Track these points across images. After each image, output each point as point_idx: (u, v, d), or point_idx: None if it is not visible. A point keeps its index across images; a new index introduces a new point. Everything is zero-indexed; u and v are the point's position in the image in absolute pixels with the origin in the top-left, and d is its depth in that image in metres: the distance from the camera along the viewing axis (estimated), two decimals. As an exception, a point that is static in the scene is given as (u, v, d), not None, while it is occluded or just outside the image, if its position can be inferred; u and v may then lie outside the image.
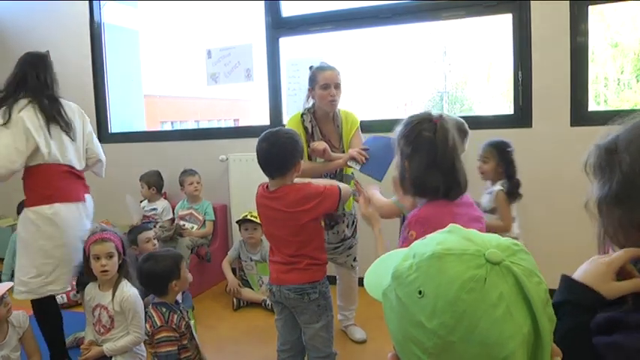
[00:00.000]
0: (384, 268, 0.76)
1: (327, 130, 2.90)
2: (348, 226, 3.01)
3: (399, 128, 1.73)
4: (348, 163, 2.70)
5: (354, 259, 3.10)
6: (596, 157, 1.01)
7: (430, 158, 1.62)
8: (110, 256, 2.44)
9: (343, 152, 2.87)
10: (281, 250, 2.22)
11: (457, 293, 0.59)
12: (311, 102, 2.91)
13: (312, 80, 2.84)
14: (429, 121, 1.66)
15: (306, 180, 2.24)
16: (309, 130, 2.86)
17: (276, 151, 2.11)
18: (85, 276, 2.63)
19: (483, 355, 0.58)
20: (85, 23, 4.84)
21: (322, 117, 2.89)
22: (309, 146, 2.77)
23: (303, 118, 2.89)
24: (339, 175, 2.90)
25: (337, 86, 2.80)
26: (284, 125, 3.05)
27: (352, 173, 2.90)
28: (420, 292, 0.61)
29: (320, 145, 2.71)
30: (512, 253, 0.62)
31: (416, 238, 1.57)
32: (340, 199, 2.18)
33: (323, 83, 2.78)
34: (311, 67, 2.91)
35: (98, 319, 2.46)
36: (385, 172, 2.65)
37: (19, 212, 4.42)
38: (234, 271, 4.17)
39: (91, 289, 2.53)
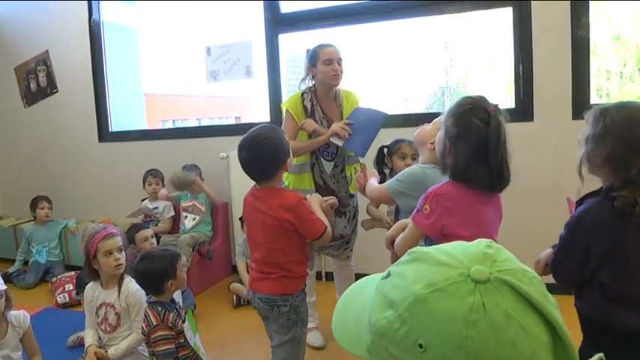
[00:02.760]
0: (351, 316, 0.69)
1: (329, 108, 2.90)
2: (349, 221, 2.98)
3: (450, 105, 1.67)
4: (331, 140, 2.68)
5: (350, 250, 3.10)
6: (593, 113, 1.53)
7: (480, 149, 1.57)
8: (120, 249, 2.46)
9: None
10: (254, 255, 2.15)
11: (461, 332, 0.53)
12: (310, 82, 2.91)
13: (313, 58, 2.83)
14: (484, 109, 1.60)
15: (308, 200, 2.17)
16: (309, 108, 2.86)
17: (256, 159, 2.03)
18: (83, 278, 2.63)
19: None
20: (84, 22, 4.83)
21: (323, 95, 2.88)
22: (315, 120, 2.82)
23: (303, 97, 2.88)
24: (339, 163, 2.89)
25: (340, 62, 2.81)
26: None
27: (352, 174, 2.89)
28: (420, 346, 0.55)
29: (309, 126, 2.74)
30: (493, 260, 0.57)
31: (430, 212, 1.58)
32: (321, 237, 2.05)
33: (326, 58, 2.77)
34: (308, 50, 2.91)
35: (104, 318, 2.46)
36: (368, 148, 2.65)
37: (31, 207, 4.50)
38: (234, 269, 4.17)
39: (92, 289, 2.51)
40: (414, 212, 1.65)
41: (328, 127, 2.83)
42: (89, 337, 2.51)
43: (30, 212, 4.69)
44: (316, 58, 2.81)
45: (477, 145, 1.57)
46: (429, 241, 1.63)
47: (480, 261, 0.57)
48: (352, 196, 2.99)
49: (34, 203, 4.64)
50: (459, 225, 1.57)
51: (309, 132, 2.75)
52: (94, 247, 2.41)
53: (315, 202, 2.20)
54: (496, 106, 1.62)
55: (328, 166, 2.89)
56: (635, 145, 1.43)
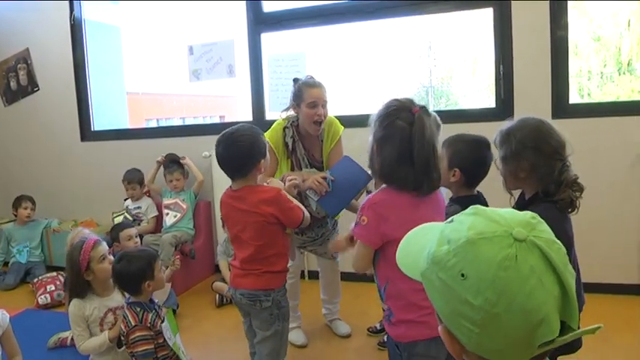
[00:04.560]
0: (414, 248, 0.86)
1: (311, 144, 2.85)
2: (329, 219, 2.96)
3: (378, 108, 1.69)
4: (307, 193, 2.60)
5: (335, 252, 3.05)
6: (500, 136, 1.73)
7: (403, 150, 1.58)
8: (108, 252, 2.43)
9: (322, 161, 2.85)
10: (239, 254, 2.17)
11: (495, 272, 0.67)
12: (293, 112, 2.82)
13: (298, 97, 2.73)
14: (409, 110, 1.61)
15: (279, 184, 2.22)
16: (290, 145, 2.80)
17: (232, 154, 2.06)
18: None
19: (523, 320, 0.67)
20: (66, 19, 4.79)
21: (306, 131, 2.80)
22: (291, 160, 2.80)
23: (285, 132, 2.81)
24: None
25: (324, 105, 2.72)
26: (267, 121, 2.98)
27: None
28: (462, 275, 0.70)
29: (291, 185, 2.48)
30: (533, 227, 0.71)
31: (368, 223, 1.61)
32: (302, 223, 2.13)
33: (310, 101, 2.68)
34: (295, 80, 2.81)
35: (114, 324, 2.43)
36: (341, 209, 2.58)
37: (13, 206, 4.41)
38: (217, 268, 4.16)
39: (84, 304, 2.40)
40: (354, 226, 1.67)
41: (310, 165, 2.80)
42: (99, 338, 2.42)
43: (11, 211, 4.63)
44: (301, 98, 2.72)
45: (401, 146, 1.59)
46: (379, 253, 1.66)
47: (523, 225, 0.71)
48: None
49: (17, 202, 4.58)
50: (396, 229, 1.51)
51: (292, 188, 2.52)
52: (87, 258, 2.35)
53: (277, 183, 2.27)
54: (423, 107, 1.64)
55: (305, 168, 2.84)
56: (550, 151, 1.65)
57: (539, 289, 0.68)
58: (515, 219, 0.73)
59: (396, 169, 1.61)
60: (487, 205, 1.85)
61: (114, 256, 2.35)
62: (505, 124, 1.76)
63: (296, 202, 2.17)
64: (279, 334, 2.16)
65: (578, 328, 0.71)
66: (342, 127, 2.90)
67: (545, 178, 1.66)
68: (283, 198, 2.09)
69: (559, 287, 0.69)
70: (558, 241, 0.73)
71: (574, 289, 0.71)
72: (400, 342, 1.68)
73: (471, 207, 0.79)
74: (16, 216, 4.62)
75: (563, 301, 0.70)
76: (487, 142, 1.94)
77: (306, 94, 2.70)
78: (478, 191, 2.01)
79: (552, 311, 0.69)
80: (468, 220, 0.75)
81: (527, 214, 0.75)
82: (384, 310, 1.75)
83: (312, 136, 2.83)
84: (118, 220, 4.22)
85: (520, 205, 1.77)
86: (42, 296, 3.87)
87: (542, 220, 0.75)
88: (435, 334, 1.60)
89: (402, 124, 1.59)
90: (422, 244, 0.84)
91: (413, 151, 1.58)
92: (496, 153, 1.81)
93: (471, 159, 1.92)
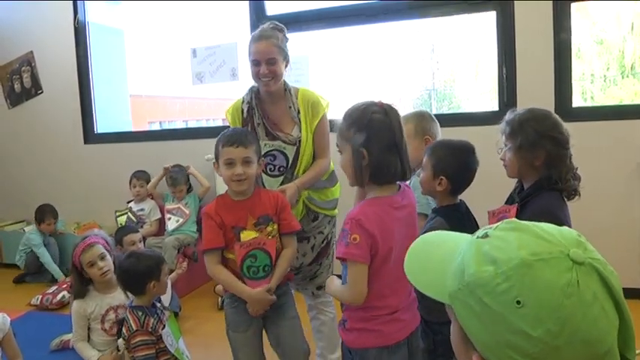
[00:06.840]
0: (432, 263, 0.78)
1: (274, 109, 2.33)
2: (312, 248, 2.42)
3: (342, 121, 1.64)
4: None
5: (318, 288, 2.47)
6: (512, 125, 1.77)
7: (390, 141, 1.56)
8: (102, 257, 2.44)
9: (298, 140, 2.29)
10: None
11: (559, 300, 0.60)
12: None
13: (248, 53, 2.28)
14: (375, 105, 1.59)
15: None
16: (245, 111, 2.33)
17: None
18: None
19: (586, 353, 0.61)
20: (69, 22, 4.81)
21: (266, 96, 2.32)
22: (252, 128, 2.31)
23: (243, 99, 2.37)
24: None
25: (271, 61, 2.19)
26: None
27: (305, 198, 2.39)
28: (518, 302, 0.62)
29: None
30: (585, 248, 0.65)
31: (360, 241, 1.53)
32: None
33: (252, 58, 2.22)
34: None
35: (115, 321, 2.45)
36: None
37: (36, 219, 4.39)
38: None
39: (86, 302, 2.45)
40: (342, 248, 1.55)
41: (266, 133, 2.30)
42: (91, 351, 2.48)
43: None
44: (249, 55, 2.26)
45: (388, 136, 1.56)
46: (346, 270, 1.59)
47: (576, 245, 0.65)
48: (316, 217, 2.41)
49: (41, 217, 4.54)
50: (381, 244, 1.54)
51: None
52: (77, 261, 2.40)
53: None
54: (380, 100, 1.62)
55: (271, 182, 2.33)
56: (564, 141, 1.73)
57: (603, 318, 0.62)
58: (566, 237, 0.66)
59: (388, 162, 1.56)
60: (469, 212, 1.84)
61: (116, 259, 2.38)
62: (510, 115, 1.82)
63: (207, 236, 1.99)
64: (228, 337, 2.19)
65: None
66: (327, 102, 2.38)
67: (557, 167, 1.72)
68: (203, 221, 2.03)
69: (617, 315, 0.64)
70: (610, 265, 0.67)
71: (631, 317, 0.65)
72: (352, 347, 1.67)
73: (505, 220, 0.72)
74: (41, 230, 4.57)
75: (621, 330, 0.64)
76: (472, 148, 1.87)
77: (250, 49, 2.23)
78: (460, 199, 1.91)
79: (615, 342, 0.63)
80: (511, 237, 0.67)
81: (573, 232, 0.68)
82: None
83: (278, 101, 2.31)
84: (122, 219, 4.23)
85: (521, 194, 1.82)
86: (43, 298, 3.88)
87: (585, 239, 0.68)
88: (386, 343, 1.58)
89: (379, 116, 1.56)
90: (440, 257, 0.76)
91: (395, 138, 1.56)
92: (486, 153, 1.88)
93: (456, 165, 1.82)
